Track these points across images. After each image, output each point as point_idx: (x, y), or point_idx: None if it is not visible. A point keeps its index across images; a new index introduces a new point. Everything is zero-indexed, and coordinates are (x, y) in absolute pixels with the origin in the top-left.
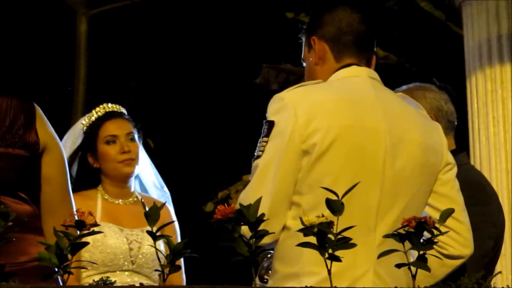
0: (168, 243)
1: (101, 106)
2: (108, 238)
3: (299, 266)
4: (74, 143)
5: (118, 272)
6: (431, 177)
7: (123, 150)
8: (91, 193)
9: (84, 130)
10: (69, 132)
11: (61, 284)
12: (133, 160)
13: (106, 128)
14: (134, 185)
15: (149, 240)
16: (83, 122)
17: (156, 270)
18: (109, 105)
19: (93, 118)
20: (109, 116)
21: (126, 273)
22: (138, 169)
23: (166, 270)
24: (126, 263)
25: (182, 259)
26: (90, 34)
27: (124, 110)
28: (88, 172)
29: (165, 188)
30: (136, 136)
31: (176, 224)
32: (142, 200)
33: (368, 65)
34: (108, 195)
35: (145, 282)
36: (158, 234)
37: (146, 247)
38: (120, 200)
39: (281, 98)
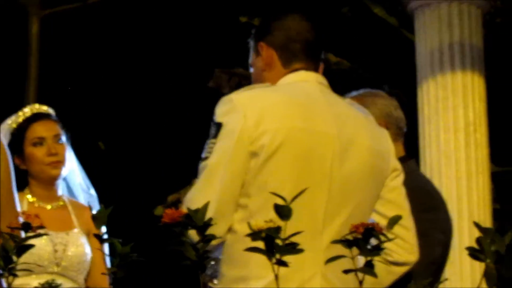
0: (115, 246)
1: (28, 107)
2: (32, 240)
3: (247, 269)
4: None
5: (43, 274)
6: (378, 182)
7: (50, 152)
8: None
9: (11, 131)
10: None
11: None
12: (60, 162)
13: (33, 129)
14: (61, 188)
15: (74, 243)
16: (9, 122)
17: (103, 274)
18: (37, 106)
19: (20, 119)
20: (36, 117)
21: (52, 275)
22: (65, 171)
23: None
24: (51, 265)
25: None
26: (42, 35)
27: (52, 111)
28: (15, 174)
29: (92, 191)
30: (63, 138)
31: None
32: (90, 204)
33: (316, 72)
34: (35, 198)
35: (71, 285)
36: (84, 237)
37: (71, 250)
38: (47, 203)
39: (230, 100)
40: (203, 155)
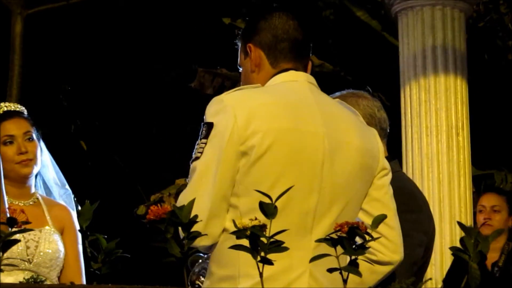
0: (100, 242)
1: None
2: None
3: (235, 268)
4: None
5: (14, 271)
6: (367, 181)
7: (20, 151)
8: None
9: None
10: None
11: None
12: (31, 161)
13: (3, 128)
14: (35, 185)
15: (47, 239)
16: None
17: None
18: (6, 104)
19: None
20: (6, 115)
21: (25, 272)
22: (36, 169)
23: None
24: (23, 262)
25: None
26: (26, 34)
27: (23, 109)
28: None
29: (67, 186)
30: (34, 135)
31: (77, 230)
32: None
33: (304, 70)
34: (7, 196)
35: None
36: (57, 234)
37: (43, 247)
38: (19, 201)
39: (220, 100)
40: (194, 155)
